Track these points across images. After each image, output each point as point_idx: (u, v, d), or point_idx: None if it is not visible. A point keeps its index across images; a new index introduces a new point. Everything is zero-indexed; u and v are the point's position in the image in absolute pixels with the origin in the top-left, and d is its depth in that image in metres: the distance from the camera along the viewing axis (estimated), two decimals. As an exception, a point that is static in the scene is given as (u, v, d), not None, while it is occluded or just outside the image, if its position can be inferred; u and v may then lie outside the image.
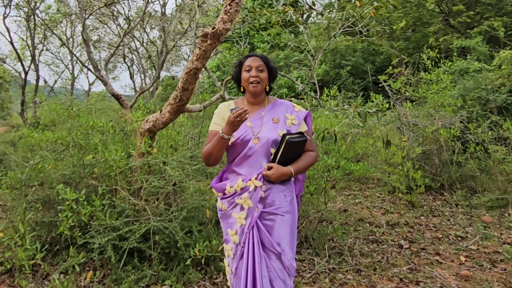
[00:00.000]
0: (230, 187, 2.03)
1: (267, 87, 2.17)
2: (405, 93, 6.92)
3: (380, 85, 8.91)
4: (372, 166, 7.19)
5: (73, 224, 3.15)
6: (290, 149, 1.98)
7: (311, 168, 3.70)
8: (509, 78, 7.97)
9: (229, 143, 2.06)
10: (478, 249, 3.89)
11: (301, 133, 2.08)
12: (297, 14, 3.81)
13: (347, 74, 15.63)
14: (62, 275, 3.37)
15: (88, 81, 22.19)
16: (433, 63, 6.52)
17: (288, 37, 16.04)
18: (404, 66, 12.64)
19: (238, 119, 1.85)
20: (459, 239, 4.20)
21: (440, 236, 4.29)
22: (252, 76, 2.08)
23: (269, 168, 1.99)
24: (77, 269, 2.88)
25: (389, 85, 8.34)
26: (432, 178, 6.15)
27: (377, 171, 7.03)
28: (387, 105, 6.93)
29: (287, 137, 1.95)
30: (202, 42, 3.02)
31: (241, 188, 1.99)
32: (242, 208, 1.99)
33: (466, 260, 3.63)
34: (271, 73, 2.16)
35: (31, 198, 3.79)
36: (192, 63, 3.15)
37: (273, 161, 2.01)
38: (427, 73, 6.51)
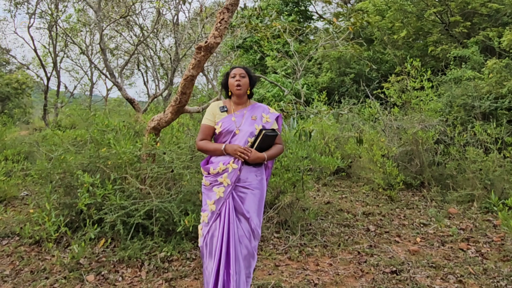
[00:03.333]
0: (213, 169, 2.67)
1: (248, 91, 2.84)
2: (390, 99, 7.52)
3: (381, 92, 9.50)
4: (363, 166, 7.84)
5: (89, 202, 3.86)
6: (265, 140, 2.63)
7: (289, 160, 4.37)
8: (496, 86, 8.52)
9: (217, 133, 2.74)
10: (435, 233, 4.49)
11: (273, 129, 2.76)
12: (283, 29, 4.49)
13: (351, 81, 16.22)
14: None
15: (106, 87, 23.23)
16: (415, 71, 7.12)
17: (296, 45, 16.75)
18: (406, 75, 13.21)
19: (239, 154, 2.56)
20: (422, 225, 4.80)
21: (406, 223, 4.89)
22: (236, 80, 2.74)
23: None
24: (92, 236, 3.58)
25: (383, 92, 8.97)
26: (413, 177, 6.75)
27: (366, 170, 7.65)
28: (375, 110, 7.57)
29: (264, 131, 2.62)
30: (197, 53, 3.73)
31: (222, 170, 2.64)
32: (221, 184, 2.65)
33: (420, 241, 4.24)
34: (251, 81, 2.84)
35: (55, 184, 4.53)
36: (189, 71, 3.86)
37: (252, 147, 2.65)
38: (410, 81, 7.11)
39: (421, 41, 15.25)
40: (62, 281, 3.31)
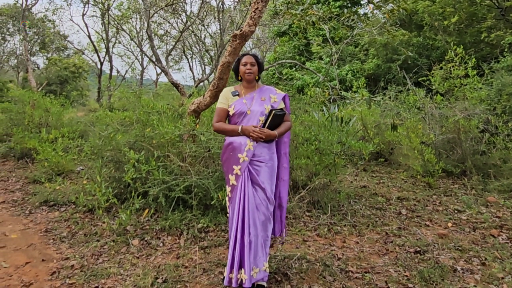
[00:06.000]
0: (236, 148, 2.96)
1: (257, 77, 3.10)
2: (433, 86, 7.40)
3: (427, 79, 9.28)
4: (403, 152, 7.79)
5: (135, 177, 4.22)
6: (275, 119, 2.89)
7: (321, 144, 4.53)
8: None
9: (231, 114, 3.01)
10: (468, 219, 4.49)
11: (281, 109, 3.00)
12: (316, 17, 4.60)
13: (399, 68, 15.81)
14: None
15: (156, 72, 24.13)
16: (459, 59, 6.97)
17: (342, 32, 16.50)
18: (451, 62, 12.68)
19: (253, 135, 2.83)
20: (456, 212, 4.80)
21: (440, 209, 4.91)
22: (247, 69, 3.02)
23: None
24: (137, 206, 3.95)
25: (429, 79, 8.79)
26: (454, 165, 6.65)
27: (406, 157, 7.61)
28: (417, 98, 7.48)
29: (273, 111, 2.87)
30: (233, 41, 3.95)
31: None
32: (239, 160, 2.92)
33: (452, 226, 4.27)
34: (260, 67, 3.10)
35: (106, 160, 4.96)
36: (225, 58, 4.10)
37: (263, 126, 2.91)
38: (454, 68, 6.96)
39: (474, 27, 14.56)
40: (111, 243, 3.73)
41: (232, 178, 2.95)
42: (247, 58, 3.07)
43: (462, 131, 6.45)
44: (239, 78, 3.13)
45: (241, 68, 3.06)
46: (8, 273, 3.22)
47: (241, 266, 2.75)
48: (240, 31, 3.89)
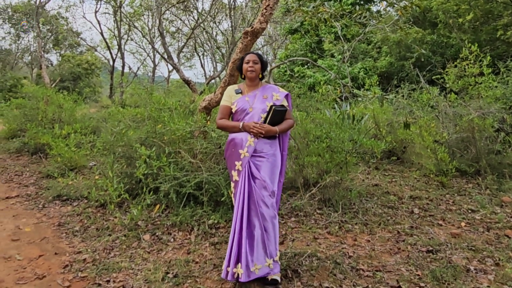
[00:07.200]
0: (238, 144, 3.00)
1: (260, 75, 3.14)
2: (447, 85, 7.31)
3: (441, 78, 9.15)
4: (416, 151, 7.70)
5: (146, 172, 4.25)
6: (275, 115, 2.92)
7: (335, 141, 4.51)
8: None
9: (233, 111, 3.08)
10: (481, 219, 4.43)
11: (282, 105, 3.02)
12: (328, 14, 4.56)
13: (412, 66, 15.63)
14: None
15: (168, 69, 24.25)
16: (474, 57, 6.87)
17: (355, 29, 16.34)
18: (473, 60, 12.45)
19: (253, 131, 2.89)
20: (470, 211, 4.73)
21: (454, 208, 4.84)
22: (250, 67, 3.08)
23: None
24: (149, 202, 3.98)
25: (442, 78, 8.67)
26: (468, 164, 6.56)
27: (419, 156, 7.53)
28: (429, 96, 7.39)
29: (274, 107, 2.91)
30: (244, 38, 3.95)
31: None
32: (240, 156, 2.96)
33: (465, 225, 4.21)
34: (263, 65, 3.14)
35: (117, 155, 5.00)
36: (237, 55, 4.10)
37: (264, 122, 2.95)
38: (469, 66, 6.87)
39: (490, 25, 14.33)
40: (123, 238, 3.76)
41: (234, 174, 2.99)
42: (249, 56, 3.12)
43: (476, 130, 6.36)
44: (243, 76, 3.18)
45: (244, 66, 3.12)
46: (22, 266, 3.27)
47: (238, 260, 2.77)
48: (251, 28, 3.89)
